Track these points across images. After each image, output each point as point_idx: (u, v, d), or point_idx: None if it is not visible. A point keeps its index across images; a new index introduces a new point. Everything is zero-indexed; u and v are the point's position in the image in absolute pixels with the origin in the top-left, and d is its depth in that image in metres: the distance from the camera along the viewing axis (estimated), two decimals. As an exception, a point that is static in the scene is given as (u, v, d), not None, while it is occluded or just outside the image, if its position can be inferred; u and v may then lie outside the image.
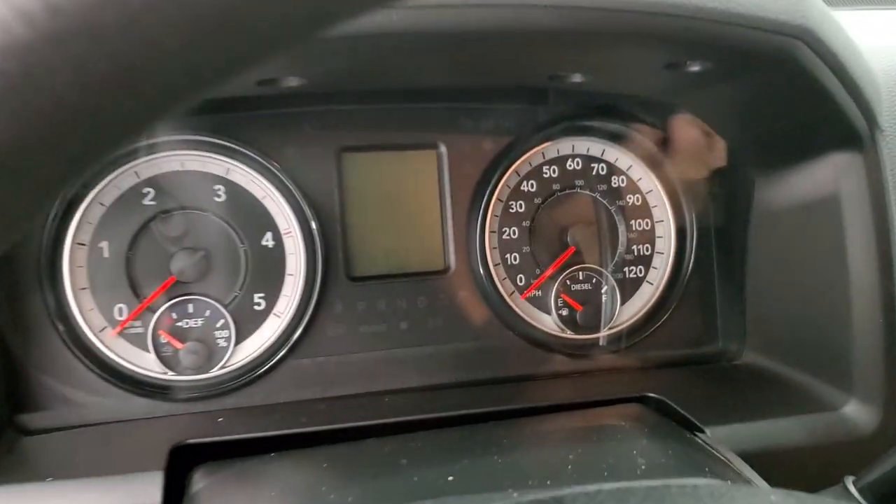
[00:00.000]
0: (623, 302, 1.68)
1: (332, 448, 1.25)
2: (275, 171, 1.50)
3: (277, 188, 1.51)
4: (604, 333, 1.67)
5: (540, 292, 1.66)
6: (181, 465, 1.21)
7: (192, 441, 1.27)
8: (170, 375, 1.47)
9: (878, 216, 1.35)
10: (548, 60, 1.21)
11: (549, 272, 1.64)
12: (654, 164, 1.68)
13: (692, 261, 1.69)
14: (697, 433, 1.27)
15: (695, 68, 1.21)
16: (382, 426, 1.32)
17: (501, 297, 1.63)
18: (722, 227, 1.68)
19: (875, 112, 1.33)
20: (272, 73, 1.16)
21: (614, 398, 1.44)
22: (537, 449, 1.28)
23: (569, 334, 1.66)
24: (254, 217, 1.51)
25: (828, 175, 1.40)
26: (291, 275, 1.52)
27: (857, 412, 1.38)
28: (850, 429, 1.37)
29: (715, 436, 1.28)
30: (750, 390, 1.50)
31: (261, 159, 1.49)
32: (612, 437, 1.28)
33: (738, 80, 1.29)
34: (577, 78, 1.30)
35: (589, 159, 1.67)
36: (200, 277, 1.48)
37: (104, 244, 1.45)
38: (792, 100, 1.31)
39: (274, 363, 1.51)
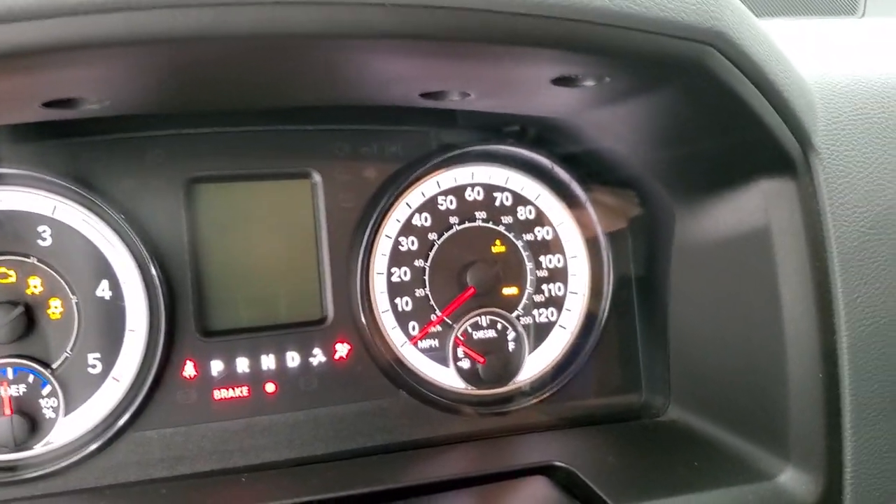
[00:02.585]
0: (532, 350, 1.47)
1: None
2: (110, 208, 1.26)
3: (114, 228, 1.28)
4: (510, 387, 1.46)
5: (437, 342, 1.44)
6: None
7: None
8: (-19, 455, 1.23)
9: (814, 251, 1.16)
10: (408, 74, 0.99)
11: (443, 316, 1.42)
12: (565, 195, 1.47)
13: (609, 302, 1.49)
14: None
15: (588, 83, 1.00)
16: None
17: (390, 349, 1.41)
18: (642, 264, 1.48)
19: (808, 131, 1.15)
20: (60, 93, 0.93)
21: (517, 469, 1.24)
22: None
23: (470, 390, 1.44)
24: (87, 263, 1.27)
25: (756, 204, 1.22)
26: (132, 331, 1.29)
27: (794, 481, 1.19)
28: (787, 502, 1.17)
29: (629, 516, 1.08)
30: (673, 455, 1.30)
31: (93, 195, 1.26)
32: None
33: (645, 97, 1.09)
34: (454, 97, 1.09)
35: (491, 188, 1.47)
36: (19, 337, 1.23)
37: None
38: (709, 118, 1.11)
39: (111, 436, 1.27)
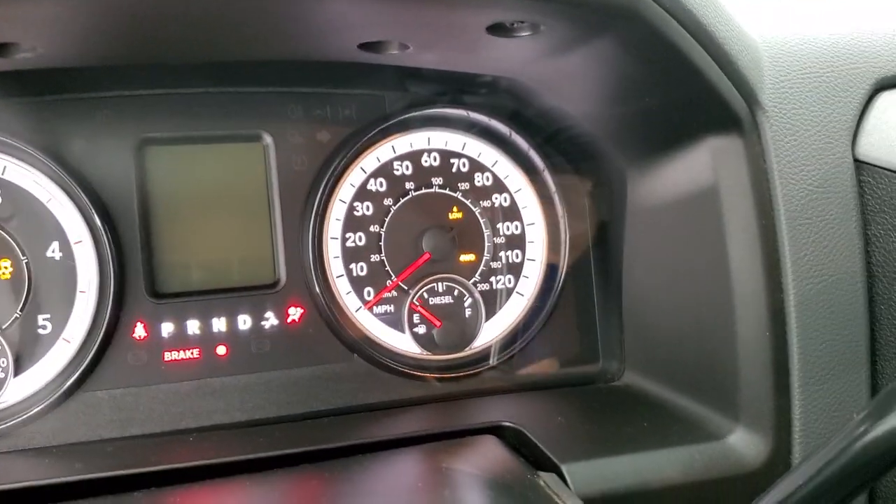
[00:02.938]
0: (489, 316, 1.47)
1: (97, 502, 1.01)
2: (59, 169, 1.26)
3: (64, 189, 1.28)
4: (466, 353, 1.45)
5: (392, 307, 1.43)
6: None
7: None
8: (-71, 414, 1.23)
9: (761, 210, 1.15)
10: (343, 22, 0.99)
11: (398, 281, 1.42)
12: (523, 161, 1.47)
13: (566, 269, 1.48)
14: (542, 473, 1.06)
15: (524, 33, 1.00)
16: (176, 472, 1.09)
17: (344, 313, 1.40)
18: (598, 229, 1.48)
19: (755, 88, 1.14)
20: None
21: (467, 428, 1.23)
22: (355, 498, 1.06)
23: (426, 356, 1.44)
24: (37, 224, 1.27)
25: (705, 164, 1.21)
26: (83, 292, 1.29)
27: (743, 442, 1.18)
28: (735, 461, 1.17)
29: (574, 473, 1.07)
30: (623, 417, 1.29)
31: (42, 155, 1.26)
32: (445, 483, 1.06)
33: (585, 49, 1.08)
34: (393, 49, 1.09)
35: (448, 154, 1.46)
36: (-33, 296, 1.23)
37: None
38: (651, 72, 1.11)
39: (60, 396, 1.27)
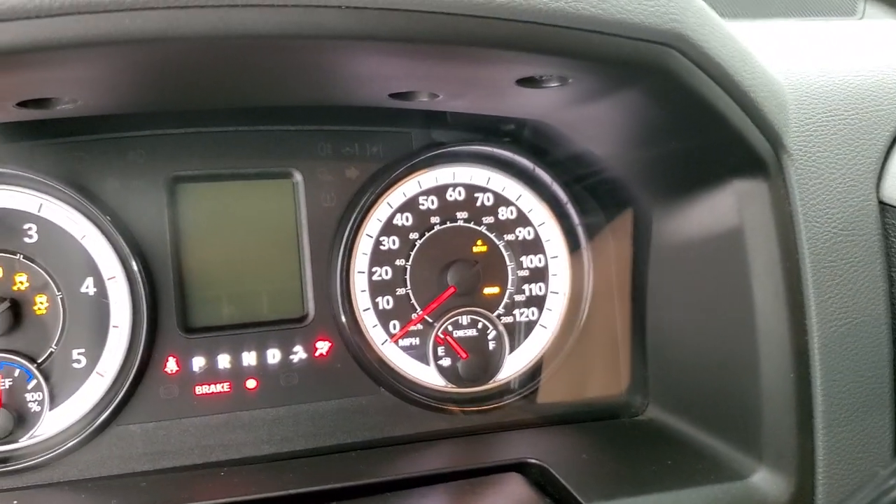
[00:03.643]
0: (513, 349, 1.48)
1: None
2: (94, 207, 1.29)
3: (98, 227, 1.30)
4: (490, 385, 1.47)
5: (417, 340, 1.45)
6: None
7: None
8: (-32, 447, 1.26)
9: (786, 252, 1.16)
10: (374, 75, 1.01)
11: (424, 315, 1.44)
12: (547, 195, 1.49)
13: (590, 302, 1.49)
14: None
15: (552, 84, 1.01)
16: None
17: (371, 347, 1.42)
18: (622, 264, 1.48)
19: (779, 132, 1.15)
20: (32, 94, 0.95)
21: (491, 465, 1.25)
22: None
23: (450, 388, 1.45)
24: (72, 260, 1.30)
25: (730, 205, 1.21)
26: (116, 327, 1.31)
27: (767, 481, 1.18)
28: (758, 501, 1.17)
29: (600, 513, 1.08)
30: (647, 454, 1.30)
31: (77, 194, 1.28)
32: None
33: (612, 98, 1.09)
34: (423, 97, 1.10)
35: (472, 188, 1.48)
36: (4, 332, 1.26)
37: None
38: (677, 119, 1.12)
39: (94, 430, 1.29)
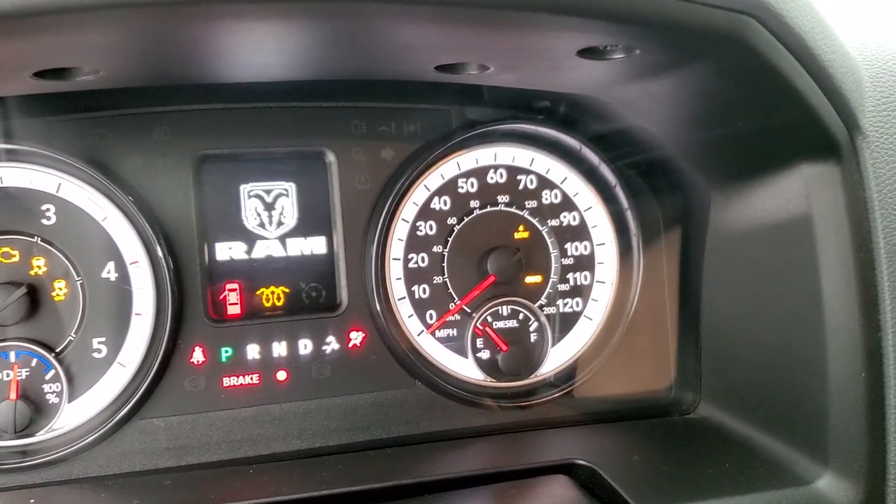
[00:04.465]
0: (556, 342, 1.41)
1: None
2: (116, 187, 1.22)
3: (120, 208, 1.23)
4: (531, 380, 1.39)
5: (455, 331, 1.37)
6: None
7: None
8: (-17, 441, 1.19)
9: (858, 242, 1.08)
10: (423, 44, 0.93)
11: (462, 304, 1.36)
12: (594, 178, 1.40)
13: (639, 292, 1.42)
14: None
15: (617, 56, 0.93)
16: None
17: (406, 338, 1.35)
18: (674, 252, 1.41)
19: (856, 112, 1.07)
20: (51, 63, 0.87)
21: (537, 466, 1.18)
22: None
23: (490, 382, 1.38)
24: (92, 244, 1.23)
25: (797, 191, 1.14)
26: (139, 314, 1.24)
27: (833, 488, 1.11)
28: (825, 509, 1.09)
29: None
30: (702, 455, 1.23)
31: (98, 173, 1.21)
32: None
33: (678, 72, 1.01)
34: (472, 70, 1.02)
35: (515, 170, 1.40)
36: (22, 319, 1.19)
37: None
38: (748, 97, 1.04)
39: (115, 424, 1.23)
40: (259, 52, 0.91)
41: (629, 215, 1.41)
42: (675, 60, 0.98)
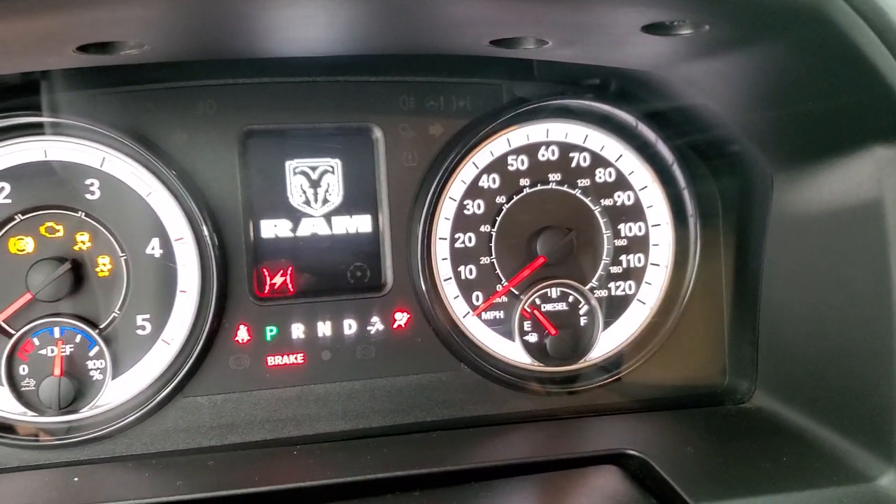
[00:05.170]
0: (607, 326, 1.37)
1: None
2: (160, 162, 1.19)
3: (164, 183, 1.21)
4: (580, 365, 1.35)
5: (502, 314, 1.34)
6: None
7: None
8: (29, 416, 1.18)
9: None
10: (480, 17, 0.88)
11: (510, 286, 1.33)
12: (650, 156, 1.35)
13: (694, 276, 1.37)
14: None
15: (685, 31, 0.88)
16: (280, 494, 1.03)
17: (452, 319, 1.32)
18: (732, 234, 1.35)
19: (934, 93, 0.99)
20: (94, 37, 0.85)
21: (586, 455, 1.14)
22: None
23: (536, 366, 1.35)
24: (136, 219, 1.21)
25: (868, 174, 1.08)
26: (184, 292, 1.23)
27: (899, 486, 1.06)
28: (889, 509, 1.05)
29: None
30: (757, 448, 1.18)
31: (142, 147, 1.19)
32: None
33: (748, 49, 0.95)
34: (529, 45, 0.97)
35: (567, 147, 1.35)
36: (66, 295, 1.18)
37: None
38: (822, 75, 0.98)
39: (159, 401, 1.22)
40: (310, 26, 0.87)
41: (686, 195, 1.36)
42: (746, 37, 0.92)
